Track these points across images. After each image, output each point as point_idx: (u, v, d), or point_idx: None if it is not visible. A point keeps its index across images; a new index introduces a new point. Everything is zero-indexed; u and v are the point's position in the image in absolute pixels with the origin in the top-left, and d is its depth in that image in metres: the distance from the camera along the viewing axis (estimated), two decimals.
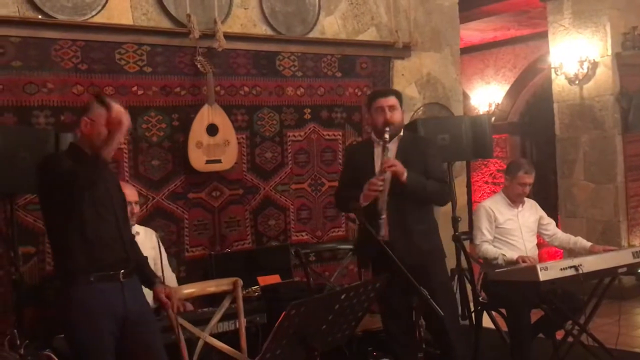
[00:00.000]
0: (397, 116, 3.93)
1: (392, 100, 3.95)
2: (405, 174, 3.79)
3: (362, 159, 3.98)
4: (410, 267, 3.64)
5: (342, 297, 2.43)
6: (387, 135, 3.82)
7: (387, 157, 3.79)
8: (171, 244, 4.66)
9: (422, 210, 4.01)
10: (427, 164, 3.95)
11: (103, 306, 2.99)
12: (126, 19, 4.52)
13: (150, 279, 3.24)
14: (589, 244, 4.86)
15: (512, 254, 4.66)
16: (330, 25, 5.42)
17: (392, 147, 3.94)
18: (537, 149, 11.60)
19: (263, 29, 5.10)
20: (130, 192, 3.89)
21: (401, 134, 4.00)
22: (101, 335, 2.99)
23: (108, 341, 3.01)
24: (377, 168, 3.85)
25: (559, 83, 7.88)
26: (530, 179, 4.81)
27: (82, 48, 4.32)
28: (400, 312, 3.83)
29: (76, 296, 2.98)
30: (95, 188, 3.00)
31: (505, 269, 4.49)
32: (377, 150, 3.94)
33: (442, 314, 2.94)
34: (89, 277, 2.97)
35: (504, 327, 4.98)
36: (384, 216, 3.71)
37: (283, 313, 2.20)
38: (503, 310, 4.86)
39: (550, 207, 5.05)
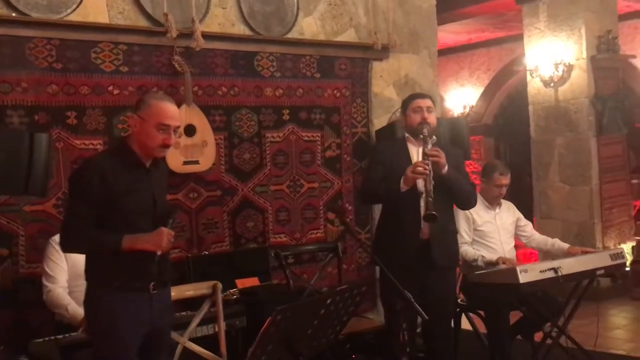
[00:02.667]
0: (432, 118, 4.03)
1: (429, 102, 4.06)
2: (447, 167, 3.87)
3: (397, 156, 4.01)
4: (443, 269, 3.90)
5: (328, 301, 2.40)
6: (426, 131, 3.90)
7: (427, 148, 3.85)
8: None
9: (452, 211, 4.16)
10: (459, 169, 4.06)
11: (129, 317, 2.88)
12: (102, 18, 4.43)
13: None
14: (566, 245, 4.88)
15: (491, 256, 4.68)
16: (309, 26, 5.39)
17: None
18: (512, 151, 11.68)
19: (241, 29, 5.04)
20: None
21: (434, 138, 4.05)
22: (125, 346, 2.89)
23: (133, 353, 2.92)
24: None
25: (534, 85, 7.93)
26: (506, 180, 4.82)
27: (57, 47, 4.23)
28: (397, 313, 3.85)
29: (105, 304, 2.88)
30: (135, 197, 2.91)
31: (485, 271, 4.50)
32: (413, 150, 4.03)
33: (427, 317, 2.93)
34: (118, 286, 2.88)
35: (481, 329, 5.00)
36: (431, 198, 3.70)
37: (269, 318, 2.16)
38: (481, 312, 4.88)
39: (525, 209, 5.08)
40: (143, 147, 2.96)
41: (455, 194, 4.00)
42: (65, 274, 3.83)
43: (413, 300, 2.92)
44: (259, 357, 2.21)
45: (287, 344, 2.33)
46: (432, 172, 3.78)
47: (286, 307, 2.23)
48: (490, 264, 4.65)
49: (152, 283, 2.93)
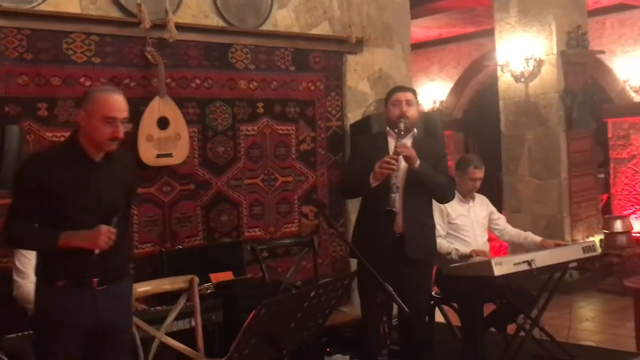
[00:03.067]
0: (412, 112, 3.99)
1: (409, 95, 4.03)
2: (418, 161, 3.84)
3: (376, 150, 3.95)
4: (419, 262, 3.87)
5: (312, 294, 2.38)
6: (402, 125, 3.87)
7: (400, 142, 3.83)
8: None
9: (430, 205, 4.11)
10: (438, 163, 4.04)
11: (68, 314, 2.84)
12: (74, 8, 4.35)
13: None
14: (539, 238, 4.93)
15: (465, 249, 4.71)
16: (283, 19, 5.35)
17: (407, 143, 3.97)
18: (481, 145, 11.77)
19: (215, 20, 4.99)
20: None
21: (415, 131, 4.04)
22: (63, 342, 2.85)
23: (71, 350, 2.86)
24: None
25: (504, 80, 7.99)
26: (480, 173, 4.86)
27: (27, 37, 4.14)
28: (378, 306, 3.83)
29: (45, 298, 2.86)
30: (79, 193, 2.85)
31: (459, 263, 4.52)
32: (392, 143, 3.96)
33: (407, 310, 2.93)
34: (59, 281, 2.84)
35: (455, 321, 5.03)
36: (394, 193, 3.70)
37: (253, 312, 2.13)
38: (455, 305, 4.91)
39: (494, 202, 5.12)
40: (92, 142, 2.90)
41: (429, 188, 3.98)
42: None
43: (394, 293, 2.92)
44: (242, 350, 2.19)
45: (270, 338, 2.30)
46: (399, 168, 3.78)
47: (271, 301, 2.21)
48: (464, 257, 4.68)
49: (97, 279, 2.87)
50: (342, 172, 4.42)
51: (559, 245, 4.76)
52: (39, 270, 2.95)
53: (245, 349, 2.20)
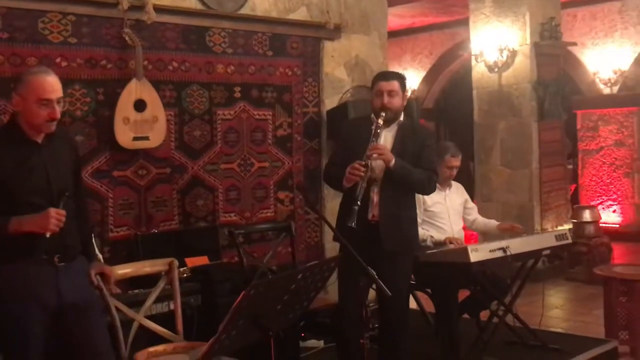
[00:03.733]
0: (396, 102, 3.88)
1: (393, 84, 3.89)
2: (393, 161, 3.77)
3: (360, 136, 3.87)
4: (392, 252, 3.79)
5: (299, 277, 2.39)
6: (380, 121, 3.79)
7: (374, 142, 3.75)
8: (94, 224, 4.45)
9: (410, 196, 4.05)
10: (421, 153, 3.95)
11: (28, 293, 2.82)
12: None
13: (88, 257, 3.09)
14: (496, 223, 5.03)
15: (440, 236, 4.76)
16: (261, 3, 5.32)
17: (391, 131, 3.94)
18: (452, 134, 11.88)
19: (193, 3, 4.94)
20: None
21: (401, 119, 3.98)
22: (25, 322, 2.82)
23: (34, 328, 2.84)
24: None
25: (478, 70, 8.06)
26: (457, 162, 4.90)
27: (3, 15, 4.04)
28: (357, 291, 3.83)
29: (2, 279, 2.82)
30: (27, 174, 2.83)
31: (435, 250, 4.57)
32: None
33: (390, 293, 2.95)
34: (14, 262, 2.82)
35: (428, 307, 5.08)
36: (357, 206, 3.63)
37: (242, 293, 2.14)
38: (429, 291, 4.95)
39: (466, 191, 5.20)
40: (30, 125, 2.89)
41: (405, 185, 3.93)
42: None
43: (376, 277, 2.94)
44: (230, 331, 2.19)
45: (256, 319, 2.31)
46: (368, 173, 3.72)
47: (260, 282, 2.22)
48: (439, 244, 4.73)
49: (57, 255, 2.88)
50: (325, 165, 4.35)
51: (513, 227, 4.84)
52: None
53: (233, 330, 2.21)
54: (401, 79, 4.01)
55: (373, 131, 3.80)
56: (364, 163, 3.69)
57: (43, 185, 2.88)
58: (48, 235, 2.78)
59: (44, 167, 2.90)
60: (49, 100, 2.85)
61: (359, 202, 3.64)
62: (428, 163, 4.00)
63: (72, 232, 2.96)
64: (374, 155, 3.73)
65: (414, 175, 3.89)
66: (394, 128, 3.96)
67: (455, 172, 4.94)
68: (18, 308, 2.82)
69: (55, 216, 2.79)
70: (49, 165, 2.92)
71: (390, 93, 3.88)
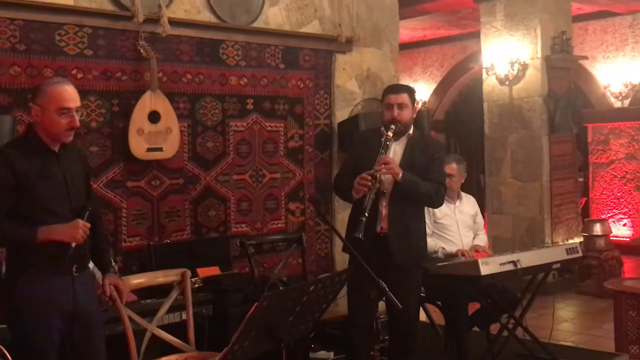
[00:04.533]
0: (405, 114, 3.91)
1: (402, 97, 3.92)
2: (400, 174, 3.79)
3: (370, 148, 3.91)
4: (402, 265, 3.78)
5: (311, 289, 2.42)
6: (390, 134, 3.83)
7: (383, 155, 3.78)
8: (108, 234, 4.50)
9: (419, 209, 4.07)
10: (430, 166, 3.96)
11: (50, 300, 2.88)
12: (67, 0, 4.34)
13: (103, 267, 3.15)
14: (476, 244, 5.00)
15: (451, 248, 4.77)
16: (275, 16, 5.38)
17: (401, 144, 3.97)
18: (462, 146, 11.90)
19: (207, 16, 5.00)
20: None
21: (411, 132, 4.00)
22: (46, 330, 2.88)
23: (53, 336, 2.91)
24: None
25: (489, 83, 8.09)
26: (450, 170, 4.83)
27: (20, 27, 4.12)
28: (367, 304, 3.85)
29: (23, 288, 2.87)
30: (48, 182, 2.89)
31: (446, 263, 4.58)
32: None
33: (400, 306, 2.97)
34: (36, 270, 2.87)
35: (437, 320, 5.09)
36: (364, 217, 3.64)
37: (255, 304, 2.17)
38: (439, 303, 4.96)
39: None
40: (50, 135, 2.95)
41: (413, 198, 3.94)
42: None
43: (388, 289, 2.96)
44: (242, 341, 2.22)
45: (269, 330, 2.34)
46: (376, 185, 3.73)
47: (272, 294, 2.25)
48: (450, 255, 4.74)
49: (75, 266, 2.94)
50: (335, 176, 4.38)
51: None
52: (13, 262, 2.96)
53: (246, 340, 2.24)
54: (410, 91, 4.04)
55: (382, 143, 3.82)
56: (372, 174, 3.71)
57: (62, 192, 2.95)
58: (74, 245, 2.84)
59: (62, 175, 2.97)
60: (68, 109, 2.91)
61: (366, 214, 3.66)
62: (437, 176, 4.02)
63: (86, 243, 3.02)
64: (383, 170, 3.75)
65: (421, 189, 3.90)
66: (403, 141, 3.99)
67: (453, 180, 4.89)
68: (41, 316, 2.87)
69: (83, 227, 2.87)
70: (66, 173, 2.99)
71: (400, 106, 3.90)
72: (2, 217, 2.84)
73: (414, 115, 4.05)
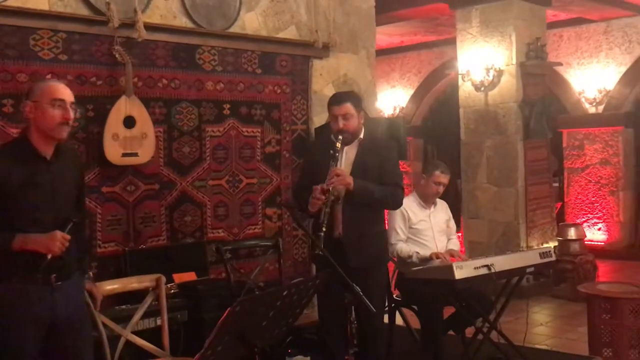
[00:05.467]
0: (352, 123, 3.91)
1: (345, 108, 3.90)
2: (352, 184, 3.79)
3: (322, 159, 3.90)
4: (357, 269, 3.71)
5: (284, 293, 2.43)
6: (338, 145, 3.83)
7: (334, 166, 3.78)
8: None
9: (377, 212, 4.07)
10: (382, 168, 3.97)
11: (24, 310, 2.84)
12: (42, 4, 4.31)
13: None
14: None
15: (425, 252, 4.81)
16: (251, 22, 5.39)
17: (353, 148, 3.98)
18: (439, 152, 11.97)
19: (183, 21, 5.00)
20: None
21: (361, 136, 4.01)
22: (19, 339, 2.84)
23: (27, 346, 2.87)
24: (341, 167, 3.87)
25: (465, 89, 8.15)
26: (445, 179, 4.96)
27: None
28: (338, 308, 3.87)
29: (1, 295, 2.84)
30: (33, 191, 2.85)
31: (421, 267, 4.61)
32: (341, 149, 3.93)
33: (374, 310, 2.99)
34: (12, 279, 2.83)
35: (414, 324, 5.12)
36: (322, 232, 3.64)
37: (228, 309, 2.17)
38: (415, 308, 4.99)
39: (451, 208, 5.25)
40: (44, 131, 2.91)
41: (369, 204, 3.94)
42: None
43: (361, 293, 2.98)
44: (215, 347, 2.22)
45: (243, 335, 2.34)
46: (330, 198, 3.72)
47: (246, 299, 2.26)
48: (425, 260, 4.78)
49: (54, 275, 2.90)
50: (293, 188, 4.37)
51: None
52: None
53: (219, 346, 2.24)
54: (354, 99, 4.02)
55: (332, 155, 3.83)
56: (324, 188, 3.71)
57: (48, 201, 2.91)
58: (49, 257, 2.81)
59: (50, 184, 2.93)
60: (63, 100, 2.90)
61: (323, 229, 3.65)
62: (391, 177, 4.02)
63: (70, 252, 2.97)
64: (334, 182, 3.74)
65: (375, 194, 3.90)
66: (355, 145, 4.00)
67: (442, 189, 4.99)
68: (14, 326, 2.83)
69: (61, 239, 2.83)
70: (55, 182, 2.94)
71: (345, 116, 3.90)
72: None
73: (362, 121, 4.03)
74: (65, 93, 2.94)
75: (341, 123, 3.88)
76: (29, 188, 2.86)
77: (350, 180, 3.79)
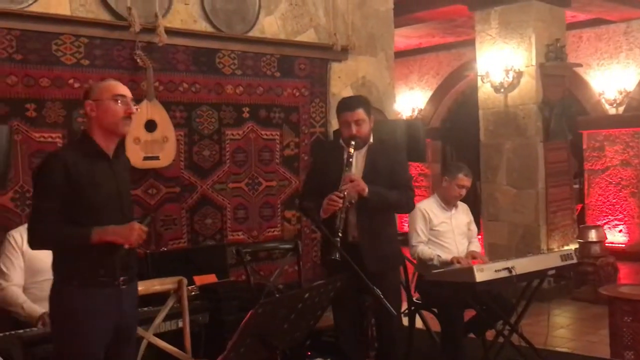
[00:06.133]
0: (364, 129, 3.89)
1: (358, 114, 3.87)
2: (366, 190, 3.78)
3: (331, 163, 3.91)
4: (375, 272, 3.70)
5: (306, 296, 2.44)
6: (351, 150, 3.81)
7: (348, 172, 3.77)
8: None
9: (388, 214, 4.07)
10: (393, 171, 3.96)
11: (94, 312, 2.84)
12: (64, 10, 4.37)
13: None
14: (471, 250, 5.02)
15: (446, 255, 4.80)
16: (270, 25, 5.41)
17: (362, 152, 3.96)
18: (458, 154, 11.92)
19: (203, 26, 5.04)
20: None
21: (371, 141, 4.00)
22: (91, 342, 2.85)
23: (99, 351, 2.88)
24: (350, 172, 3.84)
25: (484, 91, 8.12)
26: (468, 182, 4.94)
27: (17, 37, 4.15)
28: (353, 311, 3.87)
29: (70, 299, 2.84)
30: (101, 189, 2.88)
31: (441, 270, 4.60)
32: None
33: (395, 312, 2.99)
34: (86, 282, 2.84)
35: (434, 327, 5.11)
36: (338, 238, 3.61)
37: (250, 311, 2.19)
38: (435, 310, 4.99)
39: (471, 211, 5.25)
40: (106, 128, 2.92)
41: (383, 209, 3.94)
42: (20, 271, 3.74)
43: (382, 296, 2.99)
44: (238, 349, 2.24)
45: (264, 338, 2.36)
46: (346, 204, 3.70)
47: (268, 301, 2.27)
48: (446, 263, 4.77)
49: (122, 277, 2.90)
50: (300, 192, 4.35)
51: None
52: (57, 271, 2.92)
53: (241, 348, 2.26)
54: (365, 105, 4.00)
55: (345, 161, 3.81)
56: (341, 195, 3.68)
57: (115, 198, 2.94)
58: (126, 247, 2.82)
59: (114, 181, 2.96)
60: (123, 95, 2.94)
61: (340, 234, 3.63)
62: (402, 179, 4.02)
63: (135, 254, 3.01)
64: (349, 188, 3.72)
65: (389, 199, 3.90)
66: (364, 149, 3.98)
67: (464, 192, 4.98)
68: (85, 331, 2.83)
69: (139, 230, 2.84)
70: (118, 179, 2.98)
71: (357, 122, 3.87)
72: (56, 219, 2.81)
73: (372, 125, 4.01)
74: (125, 89, 2.99)
75: (354, 129, 3.86)
76: (97, 185, 2.88)
77: (364, 186, 3.78)
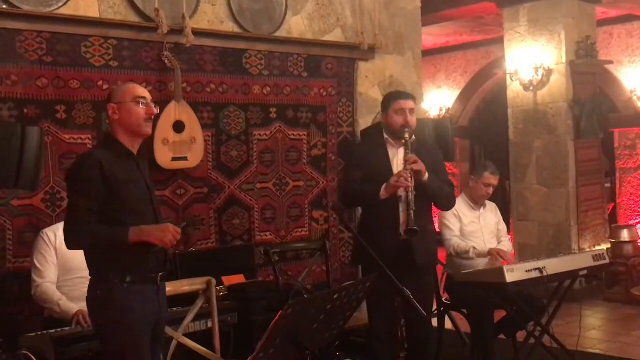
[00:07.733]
0: (414, 120, 4.01)
1: (412, 103, 4.02)
2: (427, 174, 3.87)
3: (376, 159, 3.98)
4: (421, 266, 3.87)
5: (335, 297, 2.43)
6: (407, 136, 3.89)
7: (409, 154, 3.84)
8: None
9: (430, 211, 4.13)
10: (437, 169, 4.04)
11: (141, 309, 2.90)
12: (93, 12, 4.40)
13: None
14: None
15: (483, 247, 4.76)
16: (297, 25, 5.41)
17: (402, 152, 3.98)
18: (487, 153, 11.81)
19: (230, 26, 5.04)
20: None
21: (413, 138, 4.04)
22: (140, 337, 2.91)
23: (145, 343, 2.93)
24: (395, 168, 3.93)
25: (513, 89, 8.04)
26: (495, 180, 4.91)
27: (47, 40, 4.19)
28: (388, 311, 3.87)
29: (115, 297, 2.87)
30: (133, 187, 2.94)
31: (471, 270, 4.56)
32: (392, 152, 4.01)
33: (425, 314, 2.97)
34: (127, 279, 2.88)
35: (464, 328, 5.07)
36: (412, 211, 3.75)
37: (280, 312, 2.18)
38: (465, 311, 4.94)
39: (500, 210, 5.19)
40: (129, 129, 2.99)
41: (435, 198, 4.04)
42: (54, 269, 3.80)
43: (412, 297, 2.96)
44: (267, 350, 2.23)
45: (294, 338, 2.35)
46: (414, 183, 3.79)
47: (297, 302, 2.27)
48: (482, 255, 4.73)
49: (161, 274, 2.97)
50: (341, 182, 4.42)
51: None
52: (98, 270, 2.95)
53: (271, 349, 2.25)
54: (414, 98, 4.16)
55: (404, 145, 3.89)
56: (409, 172, 3.77)
57: (147, 196, 3.01)
58: (158, 247, 2.87)
59: (144, 177, 3.04)
60: (144, 97, 3.01)
61: (414, 208, 3.74)
62: (444, 176, 4.13)
63: (168, 253, 3.06)
64: (414, 167, 3.78)
65: (444, 189, 4.02)
66: (402, 148, 4.00)
67: (491, 191, 4.94)
68: (135, 327, 2.89)
69: (173, 232, 2.88)
70: (145, 176, 3.06)
71: (411, 111, 3.99)
72: (93, 220, 2.86)
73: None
74: (145, 91, 3.08)
75: (409, 117, 3.96)
76: (131, 183, 2.94)
77: (423, 166, 3.84)
